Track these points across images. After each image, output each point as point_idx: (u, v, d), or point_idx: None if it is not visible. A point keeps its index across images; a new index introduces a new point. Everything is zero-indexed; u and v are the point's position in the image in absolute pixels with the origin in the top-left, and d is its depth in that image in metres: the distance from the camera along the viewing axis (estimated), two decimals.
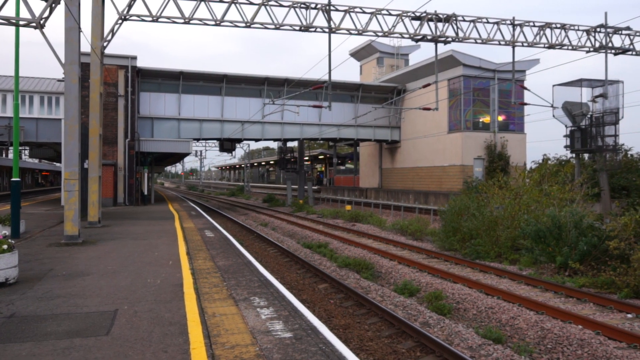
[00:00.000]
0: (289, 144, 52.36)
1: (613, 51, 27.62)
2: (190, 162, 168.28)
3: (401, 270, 15.35)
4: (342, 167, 68.27)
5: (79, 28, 14.98)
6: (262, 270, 10.36)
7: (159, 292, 8.29)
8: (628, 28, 27.41)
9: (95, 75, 20.39)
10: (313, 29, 23.55)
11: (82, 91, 24.15)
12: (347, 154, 69.11)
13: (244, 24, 22.66)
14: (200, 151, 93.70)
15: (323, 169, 78.46)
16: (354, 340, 9.21)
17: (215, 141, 56.27)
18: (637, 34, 28.02)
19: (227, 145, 43.75)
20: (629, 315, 10.41)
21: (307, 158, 68.50)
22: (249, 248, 20.30)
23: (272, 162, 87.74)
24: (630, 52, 28.17)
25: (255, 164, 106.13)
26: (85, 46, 32.74)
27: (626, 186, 25.00)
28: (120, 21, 21.00)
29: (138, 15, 21.31)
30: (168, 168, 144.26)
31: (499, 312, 10.78)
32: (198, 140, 42.35)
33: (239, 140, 43.22)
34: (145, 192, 37.37)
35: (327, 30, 23.43)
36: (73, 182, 14.51)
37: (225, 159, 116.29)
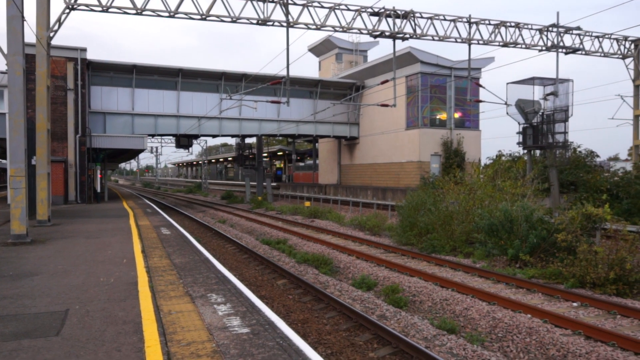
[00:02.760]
0: (248, 140, 52.02)
1: (564, 50, 28.56)
2: (145, 159, 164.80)
3: (359, 265, 15.51)
4: (301, 164, 68.29)
5: (22, 17, 14.41)
6: (219, 267, 10.28)
7: (112, 290, 8.12)
8: (578, 28, 28.40)
9: (42, 67, 19.68)
10: (271, 23, 23.45)
11: (28, 84, 23.33)
12: (306, 150, 69.17)
13: (199, 16, 22.36)
14: (156, 147, 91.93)
15: (282, 165, 78.27)
16: (312, 334, 9.27)
17: (171, 137, 55.37)
18: (587, 34, 29.08)
19: (183, 141, 43.11)
20: (575, 304, 10.85)
21: (265, 154, 68.24)
22: (207, 245, 20.10)
23: (230, 158, 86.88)
24: (580, 52, 29.20)
25: (213, 161, 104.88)
26: (31, 37, 31.59)
27: (574, 181, 25.93)
28: (67, 10, 20.38)
29: (86, 5, 20.73)
30: (122, 165, 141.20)
31: (453, 303, 11.04)
32: (153, 136, 41.50)
33: (196, 137, 42.63)
34: (98, 190, 36.31)
35: (285, 24, 23.37)
36: (19, 179, 14.00)
37: (182, 155, 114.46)
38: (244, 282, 12.70)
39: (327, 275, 14.76)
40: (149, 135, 39.02)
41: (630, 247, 12.17)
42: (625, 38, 30.75)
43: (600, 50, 30.00)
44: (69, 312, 6.86)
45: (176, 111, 38.43)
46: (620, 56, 30.96)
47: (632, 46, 31.02)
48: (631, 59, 31.07)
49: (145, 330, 6.07)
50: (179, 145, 44.20)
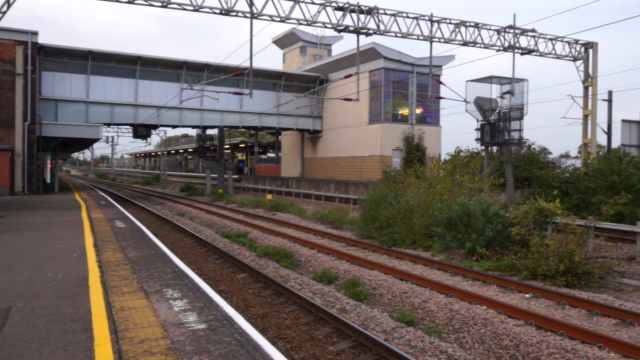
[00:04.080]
0: (209, 132, 51.32)
1: (520, 51, 29.22)
2: (100, 149, 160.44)
3: (320, 259, 15.54)
4: (263, 156, 67.90)
5: None
6: (176, 261, 10.11)
7: (60, 286, 7.84)
8: (533, 30, 29.07)
9: None
10: (234, 14, 23.15)
11: None
12: (269, 142, 68.80)
13: (159, 4, 21.88)
14: (112, 137, 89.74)
15: (244, 157, 77.65)
16: (271, 329, 9.23)
17: (128, 127, 54.10)
18: (541, 36, 29.80)
19: (141, 131, 42.17)
20: (527, 295, 11.19)
21: (227, 146, 67.54)
22: (164, 239, 19.74)
23: (190, 150, 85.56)
24: (534, 53, 29.92)
25: (173, 152, 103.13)
26: None
27: (528, 177, 26.64)
28: None
29: None
30: (75, 155, 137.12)
31: (412, 296, 11.19)
32: (109, 125, 40.35)
33: (155, 127, 41.79)
34: (48, 180, 35.06)
35: (248, 15, 23.10)
36: None
37: (140, 145, 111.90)
38: (202, 277, 12.54)
39: (288, 269, 14.72)
40: (105, 124, 37.94)
41: (578, 240, 12.62)
42: (576, 41, 31.68)
43: (553, 52, 30.81)
44: (11, 309, 6.58)
45: (134, 100, 37.53)
46: (572, 59, 31.88)
47: (583, 49, 31.98)
48: (581, 61, 32.03)
49: (95, 327, 5.88)
50: (136, 135, 43.23)
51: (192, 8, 22.45)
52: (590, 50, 31.94)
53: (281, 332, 9.10)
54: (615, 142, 28.64)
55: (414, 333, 8.83)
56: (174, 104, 37.60)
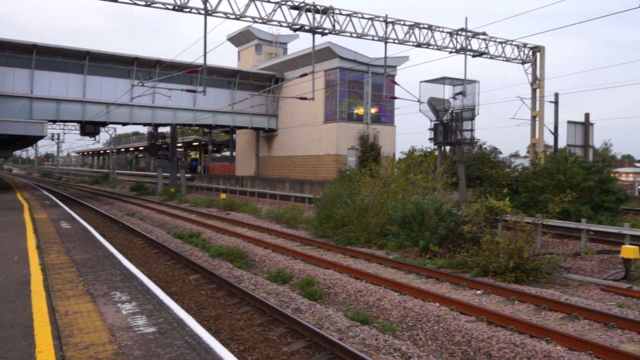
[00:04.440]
0: (161, 130, 50.27)
1: (471, 53, 29.84)
2: (45, 147, 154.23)
3: (275, 258, 15.41)
4: (217, 155, 67.04)
5: None
6: (125, 263, 9.79)
7: None
8: (484, 33, 29.74)
9: None
10: (188, 10, 22.68)
11: None
12: (224, 141, 68.00)
13: None
14: (58, 134, 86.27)
15: (197, 156, 76.48)
16: (224, 331, 9.07)
17: (75, 124, 52.25)
18: (492, 39, 30.54)
19: (89, 128, 40.74)
20: (478, 292, 11.41)
21: (180, 144, 66.31)
22: (113, 240, 19.16)
23: (141, 148, 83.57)
24: (485, 55, 30.64)
25: (123, 150, 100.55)
26: None
27: (480, 176, 27.26)
28: None
29: None
30: (17, 152, 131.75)
31: (366, 294, 11.22)
32: (55, 122, 38.85)
33: (104, 124, 40.57)
34: None
35: (202, 12, 22.69)
36: None
37: (88, 143, 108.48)
38: (153, 279, 12.22)
39: (242, 269, 14.53)
40: (50, 121, 36.58)
41: (527, 237, 12.99)
42: (525, 45, 32.63)
43: (503, 55, 31.64)
44: None
45: (82, 96, 36.29)
46: (521, 61, 32.82)
47: (531, 53, 32.98)
48: (529, 64, 33.03)
49: (37, 334, 5.59)
50: (84, 132, 41.73)
51: (143, 3, 21.87)
52: (538, 54, 32.94)
53: (234, 333, 8.94)
54: (562, 142, 29.61)
55: (368, 331, 8.84)
56: (124, 100, 36.57)
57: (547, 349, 7.80)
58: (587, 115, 27.61)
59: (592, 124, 27.67)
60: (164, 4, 22.24)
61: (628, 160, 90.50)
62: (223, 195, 34.77)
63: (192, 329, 5.85)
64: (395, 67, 38.61)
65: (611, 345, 8.02)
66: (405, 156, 29.53)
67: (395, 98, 30.83)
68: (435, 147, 27.72)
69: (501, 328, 8.93)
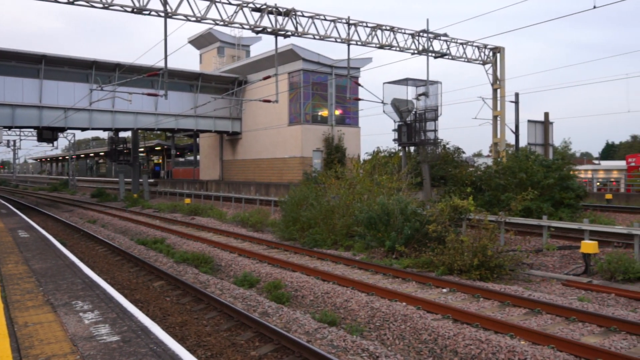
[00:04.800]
0: (122, 134, 49.32)
1: (433, 54, 30.27)
2: (0, 154, 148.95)
3: (241, 262, 15.29)
4: (181, 159, 66.18)
5: None
6: (87, 272, 9.55)
7: None
8: (445, 35, 30.21)
9: None
10: (147, 12, 22.31)
11: None
12: (187, 145, 67.15)
13: (65, 0, 20.69)
14: (14, 141, 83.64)
15: (160, 161, 75.30)
16: (191, 337, 8.93)
17: (32, 130, 50.76)
18: (453, 40, 31.05)
19: (47, 134, 39.62)
20: (444, 290, 11.55)
21: (142, 149, 65.18)
22: (74, 248, 18.67)
23: (102, 153, 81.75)
24: (447, 57, 31.13)
25: (83, 156, 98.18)
26: None
27: (444, 176, 27.63)
28: None
29: None
30: None
31: (334, 296, 11.22)
32: (10, 128, 37.56)
33: (62, 129, 39.55)
34: None
35: (162, 14, 22.35)
36: None
37: (46, 149, 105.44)
38: (116, 286, 11.94)
39: (208, 274, 14.36)
40: (5, 127, 35.41)
41: (490, 235, 13.20)
42: (485, 46, 33.29)
43: (464, 56, 32.21)
44: None
45: (38, 101, 35.24)
46: (481, 62, 33.48)
47: (491, 54, 33.69)
48: (490, 65, 33.73)
49: None
50: (41, 138, 40.55)
51: (100, 5, 21.41)
52: (498, 55, 33.65)
53: (201, 339, 8.81)
54: (523, 141, 30.27)
55: (336, 333, 8.84)
56: (83, 105, 35.66)
57: (511, 344, 7.94)
58: (546, 115, 28.34)
59: (551, 123, 28.42)
60: (122, 6, 21.82)
61: (587, 158, 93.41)
62: (187, 200, 34.33)
63: (157, 336, 5.74)
64: (358, 68, 38.85)
65: (572, 338, 8.21)
66: (370, 157, 29.72)
67: (359, 99, 31.03)
68: (400, 147, 27.97)
69: (467, 325, 9.06)
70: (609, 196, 29.24)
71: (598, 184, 43.06)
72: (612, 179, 48.55)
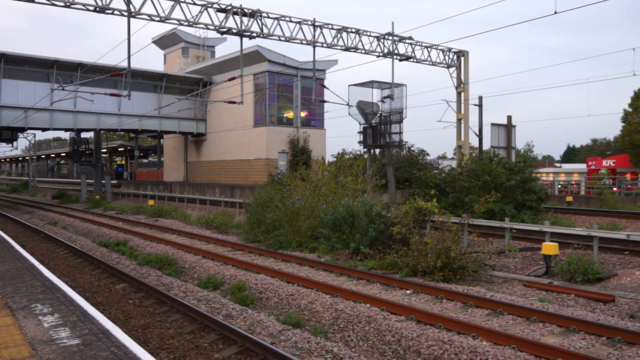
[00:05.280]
0: (84, 135, 48.28)
1: (398, 57, 30.61)
2: None
3: (206, 264, 15.18)
4: (145, 160, 65.15)
5: None
6: (47, 274, 9.34)
7: None
8: (410, 38, 30.58)
9: None
10: (110, 11, 21.91)
11: None
12: (151, 146, 66.18)
13: None
14: None
15: (124, 162, 73.96)
16: (153, 340, 8.82)
17: None
18: (418, 43, 31.45)
19: (6, 134, 38.64)
20: (408, 292, 11.71)
21: (105, 150, 63.91)
22: (33, 250, 18.20)
23: (63, 154, 79.81)
24: (412, 60, 31.52)
25: (44, 157, 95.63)
26: None
27: (408, 178, 28.02)
28: None
29: None
30: None
31: (298, 298, 11.26)
32: None
33: (22, 130, 38.55)
34: None
35: (125, 13, 21.99)
36: None
37: (5, 150, 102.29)
38: (77, 289, 11.71)
39: (172, 276, 14.21)
40: None
41: (454, 237, 13.41)
42: (450, 49, 33.85)
43: (429, 59, 32.66)
44: None
45: None
46: (446, 65, 34.00)
47: (455, 57, 34.27)
48: (454, 68, 34.31)
49: None
50: (0, 139, 39.51)
51: (62, 4, 20.92)
52: (462, 58, 34.20)
53: (164, 342, 8.72)
54: (486, 144, 30.90)
55: (300, 335, 8.88)
56: (44, 105, 34.78)
57: (473, 344, 8.09)
58: (509, 118, 29.01)
59: (514, 126, 29.09)
60: (84, 5, 21.38)
61: (548, 161, 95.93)
62: (151, 202, 33.85)
63: (118, 339, 5.68)
64: (324, 70, 39.00)
65: (533, 338, 8.39)
66: (335, 159, 29.88)
67: (325, 102, 31.14)
68: (365, 150, 28.20)
69: (430, 326, 9.19)
70: (569, 199, 30.10)
71: (559, 186, 44.24)
72: (573, 182, 50.00)
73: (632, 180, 42.09)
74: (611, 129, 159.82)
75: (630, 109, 50.71)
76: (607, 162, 53.47)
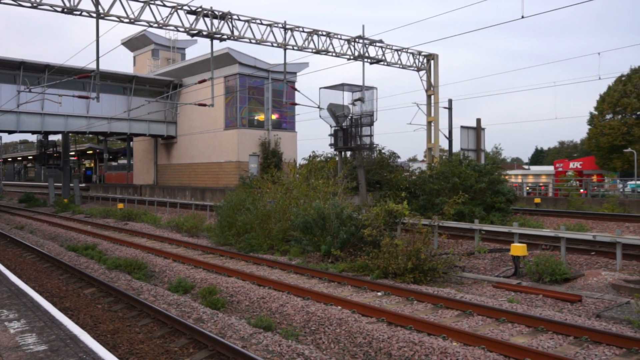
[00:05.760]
0: (52, 138, 47.36)
1: (369, 60, 30.87)
2: None
3: (176, 268, 15.06)
4: (114, 163, 64.21)
5: None
6: (13, 279, 9.17)
7: None
8: (381, 41, 30.86)
9: None
10: (78, 12, 21.57)
11: None
12: (120, 149, 65.26)
13: None
14: None
15: (92, 165, 72.71)
16: (123, 345, 8.73)
17: None
18: (388, 47, 31.76)
19: None
20: (379, 294, 11.81)
21: (73, 153, 62.72)
22: None
23: (30, 157, 78.03)
24: (382, 63, 31.81)
25: (10, 160, 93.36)
26: None
27: (379, 180, 28.20)
28: None
29: None
30: None
31: (269, 301, 11.26)
32: None
33: None
34: None
35: (94, 15, 21.69)
36: None
37: None
38: (44, 294, 11.50)
39: (142, 280, 14.07)
40: None
41: (424, 239, 13.56)
42: (420, 53, 34.26)
43: (399, 62, 33.00)
44: None
45: None
46: (416, 69, 34.41)
47: (425, 60, 34.73)
48: (424, 71, 34.75)
49: None
50: None
51: (29, 5, 20.53)
52: (432, 61, 34.64)
53: (133, 347, 8.65)
54: (456, 147, 31.31)
55: (271, 338, 8.90)
56: (10, 107, 34.01)
57: (444, 345, 8.20)
58: (478, 121, 29.50)
59: (483, 129, 29.59)
60: (51, 5, 21.00)
61: (517, 163, 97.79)
62: (120, 205, 33.37)
63: (86, 345, 5.62)
64: (295, 73, 39.04)
65: (502, 338, 8.53)
66: (306, 162, 29.92)
67: (296, 104, 31.18)
68: (336, 152, 28.32)
69: (401, 328, 9.26)
70: (537, 200, 30.75)
71: (528, 188, 45.07)
72: (541, 184, 50.99)
73: (599, 182, 43.24)
74: (578, 131, 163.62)
75: (596, 112, 52.20)
76: (574, 164, 54.83)
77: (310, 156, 29.46)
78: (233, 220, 19.25)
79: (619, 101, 48.72)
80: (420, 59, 34.10)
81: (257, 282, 12.93)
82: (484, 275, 14.14)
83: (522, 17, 18.67)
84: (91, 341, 5.77)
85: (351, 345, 8.89)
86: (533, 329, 9.08)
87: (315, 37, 28.33)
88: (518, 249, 13.51)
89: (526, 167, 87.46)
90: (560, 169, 55.19)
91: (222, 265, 15.06)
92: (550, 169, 64.45)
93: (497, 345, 8.10)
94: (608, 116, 50.71)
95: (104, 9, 21.84)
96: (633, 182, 38.81)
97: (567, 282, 12.81)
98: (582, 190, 37.50)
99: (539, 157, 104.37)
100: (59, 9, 21.17)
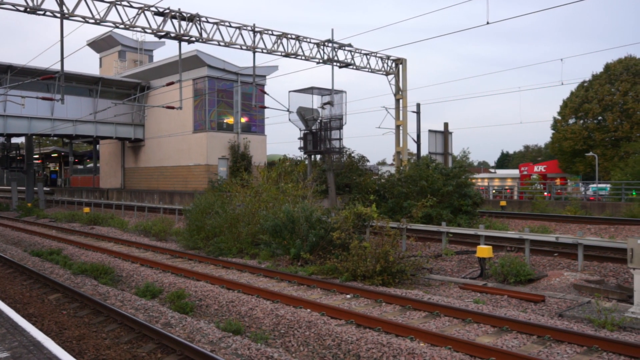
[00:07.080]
0: (15, 140, 46.16)
1: (338, 64, 31.04)
2: None
3: (144, 273, 14.86)
4: (80, 167, 62.89)
5: None
6: None
7: None
8: (350, 45, 31.08)
9: None
10: (42, 12, 21.14)
11: None
12: (86, 152, 63.97)
13: None
14: None
15: (57, 168, 71.09)
16: (89, 351, 8.59)
17: None
18: (357, 51, 32.00)
19: None
20: (348, 296, 11.89)
21: (37, 156, 61.26)
22: None
23: None
24: (351, 66, 32.04)
25: None
26: None
27: (348, 184, 28.35)
28: None
29: None
30: None
31: (239, 304, 11.23)
32: None
33: None
34: None
35: (58, 15, 21.28)
36: None
37: None
38: (7, 301, 11.23)
39: (108, 285, 13.83)
40: None
41: (392, 241, 13.69)
42: (388, 57, 34.62)
43: (368, 66, 33.27)
44: None
45: None
46: (384, 73, 34.75)
47: (394, 64, 35.10)
48: (393, 75, 35.12)
49: None
50: None
51: None
52: (401, 66, 35.02)
53: (100, 353, 8.51)
54: (424, 150, 31.68)
55: (240, 341, 8.87)
56: None
57: (411, 346, 8.30)
58: (446, 125, 29.93)
59: (451, 133, 30.03)
60: (14, 5, 20.53)
61: (484, 167, 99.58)
62: (86, 209, 32.75)
63: (50, 351, 5.53)
64: (264, 76, 38.99)
65: (468, 338, 8.68)
66: (276, 165, 29.86)
67: (265, 107, 31.12)
68: (305, 155, 28.36)
69: (369, 329, 9.34)
70: (503, 203, 31.39)
71: (494, 191, 45.93)
72: (507, 187, 52.01)
73: (562, 185, 44.37)
74: (542, 136, 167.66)
75: (559, 117, 53.57)
76: (538, 168, 56.18)
77: (279, 159, 29.42)
78: (202, 224, 19.11)
79: (580, 106, 50.09)
80: (389, 63, 34.44)
81: (226, 285, 12.87)
82: (451, 276, 14.36)
83: (487, 22, 19.03)
84: (55, 347, 5.67)
85: (320, 348, 8.93)
86: (498, 329, 9.25)
87: (284, 40, 28.36)
88: (484, 250, 13.73)
89: (492, 170, 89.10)
90: (525, 173, 56.43)
91: (190, 269, 14.93)
92: (515, 172, 65.82)
93: (464, 346, 8.23)
94: (570, 121, 52.06)
95: (68, 9, 21.45)
96: (595, 185, 39.95)
97: (531, 282, 13.12)
98: (546, 193, 38.44)
99: (505, 160, 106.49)
100: (22, 9, 20.71)
